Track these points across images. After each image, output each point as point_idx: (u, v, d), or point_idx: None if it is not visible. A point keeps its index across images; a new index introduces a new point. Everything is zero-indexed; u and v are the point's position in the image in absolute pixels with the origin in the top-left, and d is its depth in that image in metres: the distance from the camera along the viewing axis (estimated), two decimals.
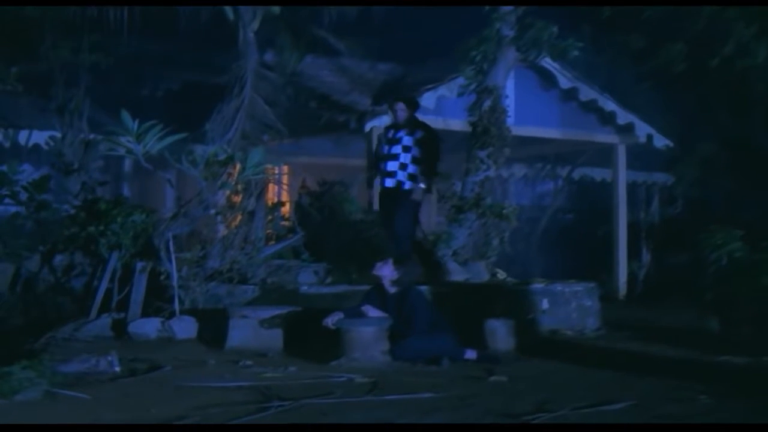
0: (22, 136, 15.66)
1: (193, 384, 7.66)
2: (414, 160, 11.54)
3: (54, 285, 12.01)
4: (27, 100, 15.75)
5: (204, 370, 8.65)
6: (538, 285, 11.28)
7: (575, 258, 17.48)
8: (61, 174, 14.35)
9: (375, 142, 14.23)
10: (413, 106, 11.85)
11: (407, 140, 11.59)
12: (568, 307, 11.26)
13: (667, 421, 6.33)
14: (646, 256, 17.84)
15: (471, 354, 9.22)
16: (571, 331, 11.10)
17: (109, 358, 8.09)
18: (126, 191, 16.77)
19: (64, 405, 6.74)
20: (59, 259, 12.08)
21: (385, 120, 14.28)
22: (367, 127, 14.52)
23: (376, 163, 12.12)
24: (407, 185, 11.53)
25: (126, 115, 10.91)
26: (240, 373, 8.38)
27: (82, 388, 7.25)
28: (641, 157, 18.67)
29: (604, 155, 18.43)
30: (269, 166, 13.44)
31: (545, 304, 11.11)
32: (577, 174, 20.78)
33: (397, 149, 11.62)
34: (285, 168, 16.97)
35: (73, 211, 12.37)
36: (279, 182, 15.52)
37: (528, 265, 18.24)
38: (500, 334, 9.96)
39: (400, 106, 11.69)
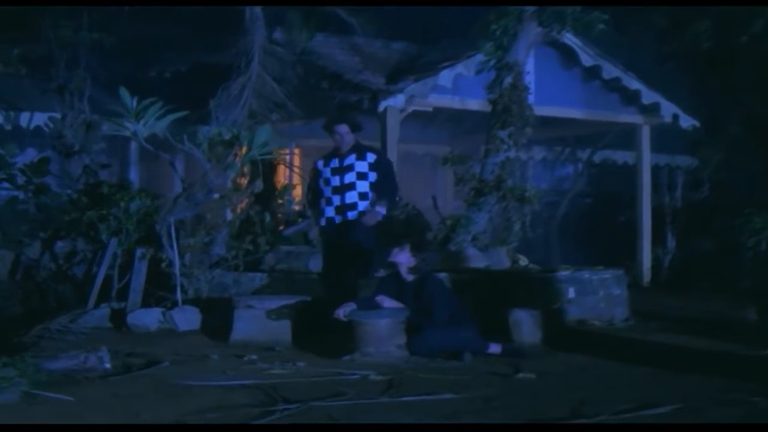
0: (24, 119, 15.08)
1: (191, 383, 7.02)
2: (373, 187, 10.09)
3: (55, 272, 11.56)
4: (29, 81, 15.19)
5: (205, 365, 8.03)
6: (563, 272, 10.57)
7: (596, 244, 16.91)
8: (62, 157, 13.81)
9: (390, 122, 13.69)
10: (357, 128, 10.25)
11: (361, 166, 10.07)
12: (596, 296, 10.55)
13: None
14: (671, 242, 17.14)
15: (495, 348, 8.54)
16: (598, 321, 10.39)
17: (100, 354, 7.41)
18: (132, 176, 16.16)
19: (42, 408, 6.07)
20: (61, 246, 11.65)
21: (401, 99, 13.68)
22: (381, 106, 13.80)
23: (316, 199, 10.49)
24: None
25: (124, 92, 10.30)
26: (244, 370, 7.74)
27: (68, 387, 6.60)
28: (664, 139, 17.95)
29: (626, 137, 17.70)
30: (280, 148, 12.86)
31: (571, 292, 10.41)
32: (598, 157, 20.06)
33: (350, 177, 10.06)
34: (296, 150, 16.46)
35: (74, 196, 11.88)
36: (291, 164, 14.90)
37: (547, 252, 17.62)
38: (525, 325, 9.30)
39: (343, 129, 10.09)
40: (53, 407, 6.06)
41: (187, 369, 7.73)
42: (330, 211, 10.24)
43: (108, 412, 5.95)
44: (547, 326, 9.47)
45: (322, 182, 10.28)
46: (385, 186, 10.17)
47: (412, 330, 8.40)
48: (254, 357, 8.33)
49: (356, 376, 7.36)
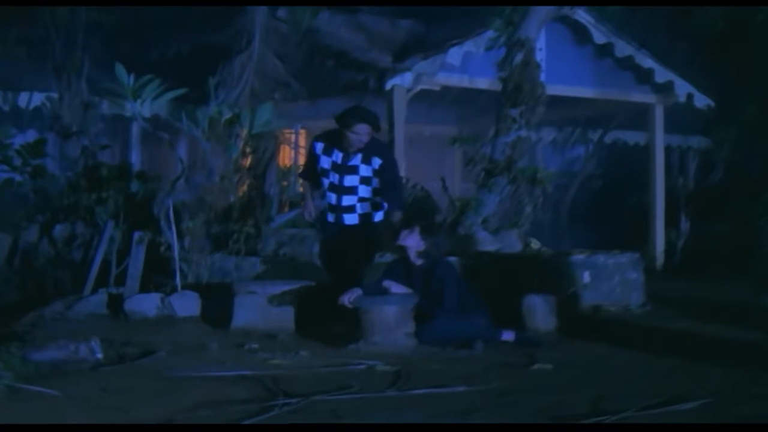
0: (23, 99, 14.72)
1: (186, 374, 6.61)
2: (376, 192, 9.16)
3: (54, 257, 11.19)
4: (27, 61, 14.84)
5: (203, 355, 7.60)
6: (578, 256, 10.11)
7: (606, 227, 16.43)
8: (60, 138, 13.47)
9: (397, 102, 13.31)
10: (378, 129, 9.17)
11: (366, 170, 9.03)
12: (612, 280, 10.10)
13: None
14: (684, 225, 16.71)
15: (508, 336, 8.14)
16: (614, 307, 9.94)
17: (91, 344, 6.99)
18: (134, 158, 15.81)
19: (25, 404, 5.65)
20: (59, 230, 11.27)
21: (408, 78, 13.29)
22: (388, 85, 13.41)
23: (316, 179, 9.39)
24: (377, 217, 9.17)
25: (121, 69, 9.99)
26: (243, 360, 7.32)
27: (55, 381, 6.19)
28: (675, 120, 17.53)
29: (638, 117, 17.29)
30: (285, 129, 12.47)
31: (586, 277, 9.96)
32: (609, 138, 19.66)
33: (352, 180, 9.05)
34: (302, 132, 16.10)
35: (73, 178, 11.56)
36: (296, 145, 14.53)
37: (556, 235, 17.21)
38: (540, 311, 8.90)
39: (364, 130, 8.85)
40: (36, 403, 5.64)
41: (183, 359, 7.33)
42: (334, 210, 9.29)
43: (93, 409, 5.53)
44: (562, 312, 9.08)
45: (319, 169, 9.21)
46: (394, 193, 9.17)
47: (421, 317, 8.01)
48: (255, 346, 7.94)
49: (362, 367, 6.96)
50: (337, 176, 9.06)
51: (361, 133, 8.82)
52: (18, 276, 11.06)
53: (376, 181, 9.11)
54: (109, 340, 7.93)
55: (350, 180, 9.03)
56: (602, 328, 8.99)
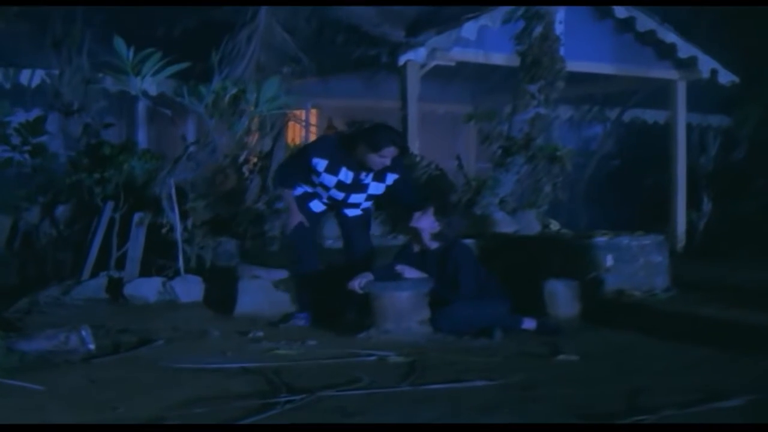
0: (24, 76, 14.29)
1: (184, 365, 6.14)
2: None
3: (56, 239, 10.76)
4: (29, 37, 14.41)
5: (204, 344, 7.14)
6: (601, 238, 9.62)
7: (624, 207, 15.98)
8: (61, 116, 13.05)
9: (411, 78, 12.81)
10: (405, 151, 8.52)
11: (376, 188, 8.26)
12: (635, 263, 9.60)
13: None
14: (707, 205, 16.22)
15: (529, 323, 7.65)
16: (638, 291, 9.45)
17: (82, 333, 6.47)
18: (140, 137, 15.41)
19: (3, 399, 5.16)
20: (61, 211, 10.86)
21: (422, 53, 12.77)
22: (401, 60, 12.89)
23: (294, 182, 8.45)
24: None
25: (120, 43, 9.48)
26: (246, 350, 6.87)
27: (42, 373, 5.74)
28: (695, 98, 17.04)
29: (658, 94, 16.78)
30: (295, 108, 12.02)
31: (609, 260, 9.47)
32: (627, 116, 19.18)
33: (358, 198, 8.31)
34: (313, 111, 15.73)
35: (75, 157, 11.11)
36: (307, 123, 14.08)
37: (573, 216, 16.74)
38: (562, 297, 8.42)
39: (392, 153, 7.99)
40: (16, 398, 5.16)
41: (183, 348, 6.88)
42: (317, 206, 8.49)
43: (78, 405, 5.03)
44: (584, 298, 8.61)
45: (313, 177, 8.24)
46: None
47: (437, 304, 7.50)
48: (260, 334, 7.48)
49: (373, 358, 6.49)
50: (341, 194, 8.27)
51: (388, 156, 7.98)
52: (18, 258, 10.68)
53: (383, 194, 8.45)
54: (105, 327, 7.57)
55: (356, 197, 8.33)
56: (627, 314, 8.50)
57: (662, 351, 6.86)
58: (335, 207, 8.45)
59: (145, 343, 6.99)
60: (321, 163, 8.11)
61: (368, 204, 8.49)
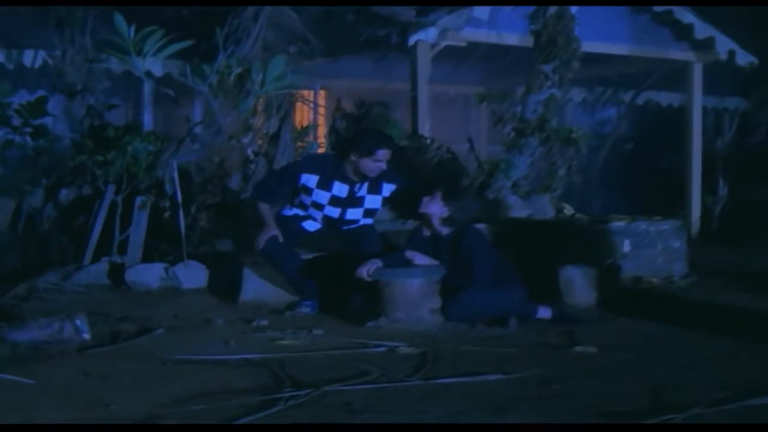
0: (28, 57, 14.00)
1: (184, 357, 5.83)
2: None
3: (59, 223, 10.60)
4: (32, 17, 14.13)
5: (206, 333, 6.83)
6: (618, 223, 9.29)
7: (638, 192, 15.77)
8: (65, 97, 12.78)
9: (421, 58, 12.52)
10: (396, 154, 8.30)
11: (373, 201, 8.05)
12: (654, 249, 9.28)
13: None
14: (723, 190, 15.94)
15: (544, 312, 7.33)
16: (656, 278, 9.12)
17: (77, 322, 6.17)
18: (146, 119, 15.15)
19: None
20: (65, 194, 10.69)
21: (433, 33, 12.49)
22: (412, 40, 12.62)
23: (277, 200, 8.24)
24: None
25: (120, 20, 9.26)
26: (250, 339, 6.56)
27: (34, 365, 5.44)
28: (711, 80, 16.72)
29: (673, 77, 16.47)
30: (303, 88, 11.74)
31: (627, 246, 9.14)
32: (641, 99, 18.86)
33: (355, 214, 8.05)
34: (322, 92, 15.40)
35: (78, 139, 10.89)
36: (315, 105, 13.79)
37: (586, 200, 16.45)
38: (578, 285, 8.12)
39: (386, 156, 7.80)
40: (4, 393, 4.83)
41: (183, 338, 6.57)
42: (311, 225, 8.19)
43: (69, 402, 4.71)
44: (601, 285, 8.31)
45: (309, 201, 8.01)
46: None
47: (449, 291, 7.17)
48: (264, 322, 7.19)
49: (382, 349, 6.17)
50: (337, 210, 8.00)
51: (382, 159, 7.77)
52: (21, 242, 10.48)
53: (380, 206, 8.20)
54: (105, 315, 7.31)
55: (353, 213, 8.06)
56: (646, 302, 8.17)
57: (685, 342, 6.53)
58: (332, 227, 8.12)
59: (144, 332, 6.70)
60: (312, 179, 7.90)
61: (368, 221, 8.19)
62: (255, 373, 5.43)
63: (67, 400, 4.74)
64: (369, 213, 8.11)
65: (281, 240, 7.82)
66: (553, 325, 7.12)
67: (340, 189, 7.90)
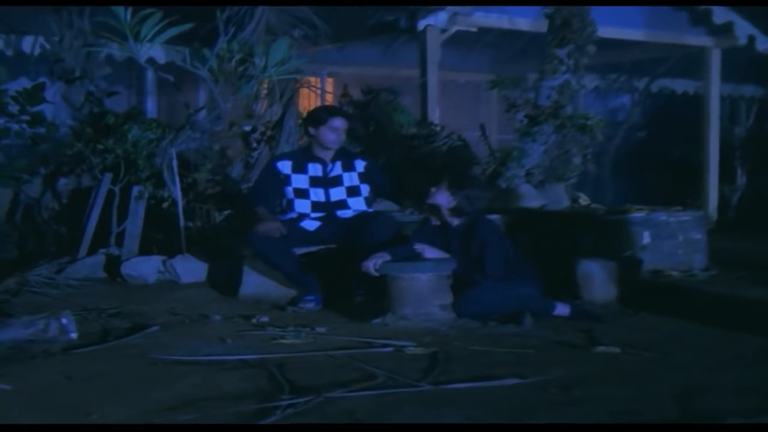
0: (27, 43, 13.68)
1: (177, 357, 5.46)
2: (369, 202, 8.16)
3: (57, 212, 10.41)
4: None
5: (202, 331, 6.46)
6: (637, 214, 8.92)
7: (652, 180, 15.57)
8: (64, 83, 12.46)
9: (431, 44, 12.21)
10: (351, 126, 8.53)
11: (350, 178, 8.04)
12: (674, 241, 8.92)
13: None
14: (741, 179, 15.61)
15: (562, 309, 6.94)
16: (676, 271, 8.76)
17: (63, 321, 5.78)
18: (149, 107, 14.88)
19: None
20: (64, 183, 10.51)
21: (443, 18, 12.18)
22: (421, 25, 12.30)
23: (266, 202, 8.07)
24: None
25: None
26: (248, 338, 6.19)
27: (14, 367, 5.07)
28: (727, 67, 16.37)
29: (689, 63, 16.18)
30: (308, 74, 11.41)
31: (646, 237, 8.78)
32: (655, 86, 18.51)
33: (339, 193, 7.98)
34: (329, 80, 15.37)
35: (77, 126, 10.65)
36: (322, 91, 13.48)
37: (599, 189, 16.13)
38: (597, 279, 7.70)
39: (341, 124, 8.00)
40: None
41: (178, 336, 6.21)
42: (310, 224, 7.97)
43: (47, 409, 4.32)
44: (620, 279, 7.91)
45: (291, 191, 7.98)
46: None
47: (460, 286, 6.81)
48: (265, 319, 6.84)
49: (389, 349, 5.79)
50: (321, 191, 7.97)
51: (339, 127, 7.97)
52: (18, 232, 10.27)
53: (365, 189, 8.09)
54: (97, 310, 7.08)
55: (337, 193, 8.00)
56: (667, 297, 7.79)
57: (711, 341, 6.15)
58: (326, 216, 7.93)
59: (137, 330, 6.35)
60: (286, 165, 8.06)
61: (360, 204, 8.02)
62: (251, 376, 5.04)
63: (44, 408, 4.35)
64: (352, 191, 8.02)
65: (285, 232, 7.62)
66: (571, 323, 6.74)
67: (315, 169, 8.00)
